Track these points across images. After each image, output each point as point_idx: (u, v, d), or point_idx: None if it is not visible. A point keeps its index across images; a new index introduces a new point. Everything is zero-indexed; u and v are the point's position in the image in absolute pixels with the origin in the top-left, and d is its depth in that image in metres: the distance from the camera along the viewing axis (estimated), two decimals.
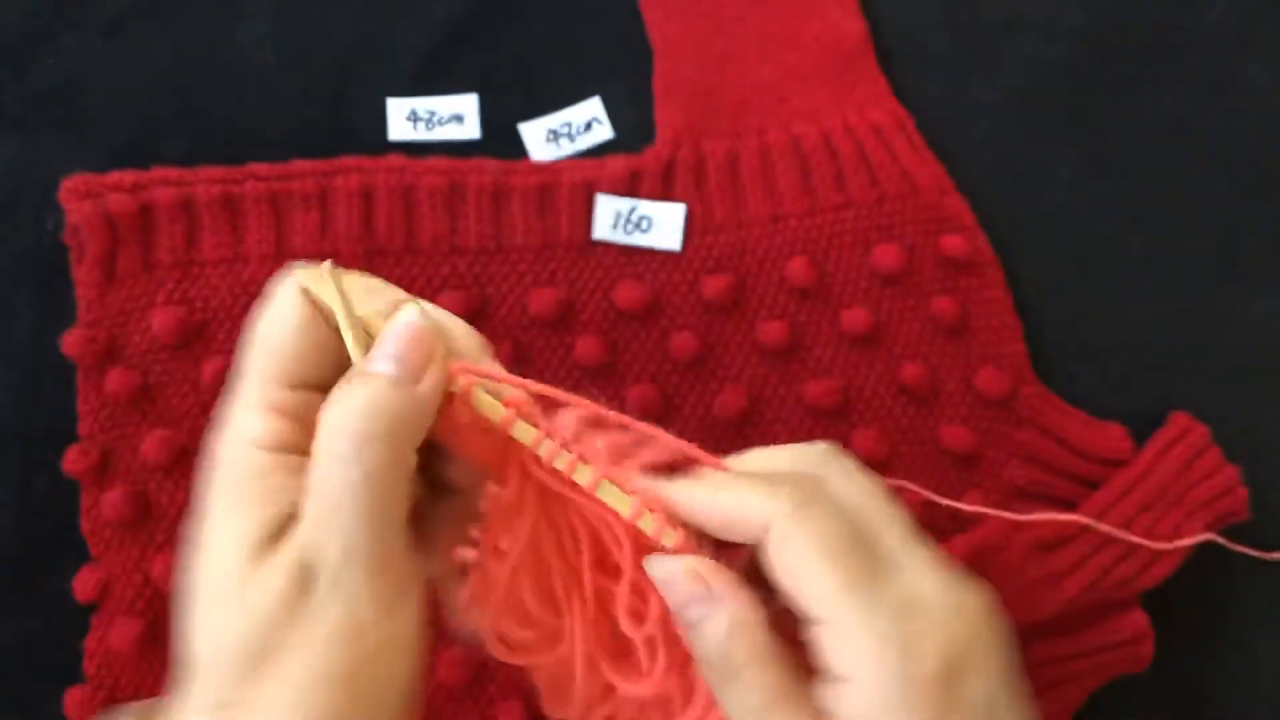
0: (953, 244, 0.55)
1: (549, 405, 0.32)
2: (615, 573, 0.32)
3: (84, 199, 0.52)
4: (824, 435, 0.54)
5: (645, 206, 0.55)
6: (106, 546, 0.51)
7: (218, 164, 0.54)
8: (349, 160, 0.54)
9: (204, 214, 0.53)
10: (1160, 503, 0.51)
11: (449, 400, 0.30)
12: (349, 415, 0.28)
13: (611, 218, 0.55)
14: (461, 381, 0.30)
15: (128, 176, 0.53)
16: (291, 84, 0.58)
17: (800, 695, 0.29)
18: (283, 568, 0.27)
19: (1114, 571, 0.49)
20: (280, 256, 0.53)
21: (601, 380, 0.54)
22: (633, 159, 0.56)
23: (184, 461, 0.51)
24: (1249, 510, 0.53)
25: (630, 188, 0.55)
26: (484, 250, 0.54)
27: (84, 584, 0.50)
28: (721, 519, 0.31)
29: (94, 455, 0.51)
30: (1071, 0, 0.61)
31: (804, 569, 0.29)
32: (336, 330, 0.30)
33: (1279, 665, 0.55)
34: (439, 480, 0.33)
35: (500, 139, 0.58)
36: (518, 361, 0.53)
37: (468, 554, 0.33)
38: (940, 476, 0.54)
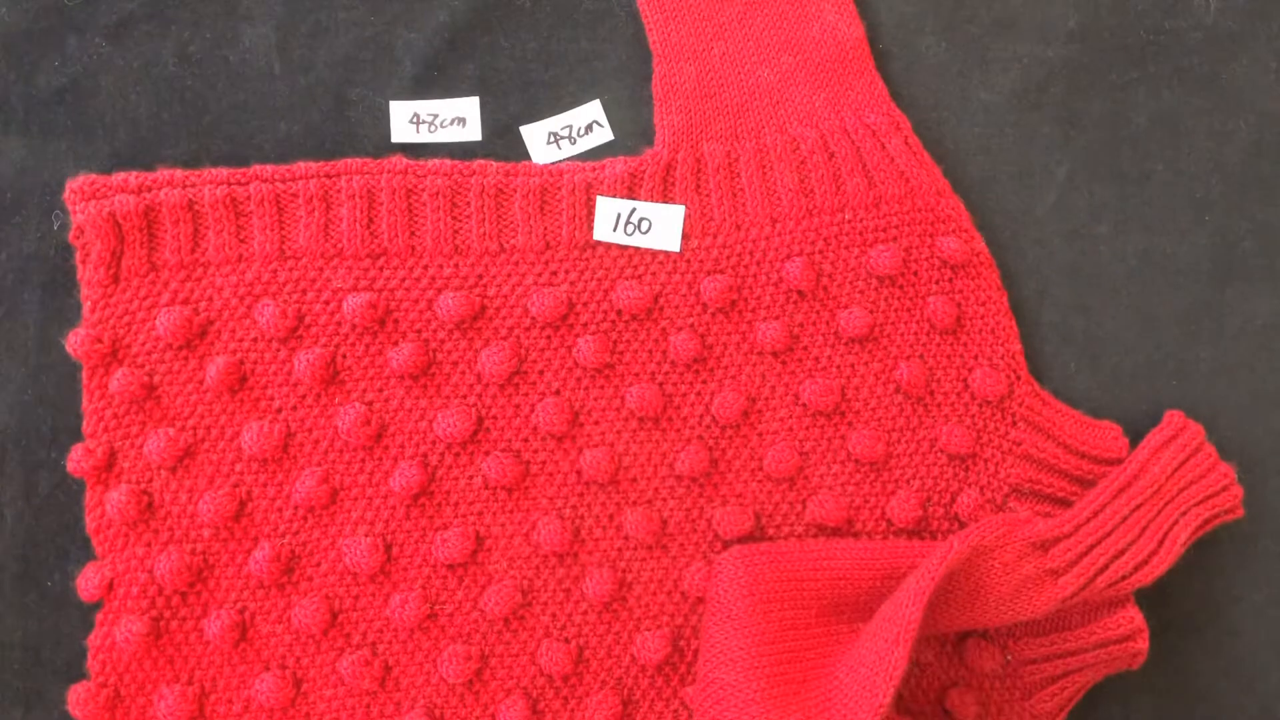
0: (949, 245, 0.55)
1: None
2: None
3: (89, 200, 0.52)
4: (821, 434, 0.54)
5: (645, 208, 0.55)
6: (111, 545, 0.51)
7: (222, 166, 0.55)
8: (352, 162, 0.55)
9: (208, 215, 0.53)
10: (1154, 500, 0.51)
11: None
12: None
13: (611, 219, 0.55)
14: None
15: (133, 178, 0.53)
16: (295, 87, 0.58)
17: None
18: None
19: (1109, 570, 0.50)
20: (284, 257, 0.54)
21: (601, 380, 0.54)
22: (632, 161, 0.56)
23: (188, 460, 0.52)
24: (1244, 508, 0.53)
25: (630, 189, 0.56)
26: (485, 251, 0.55)
27: (88, 582, 0.50)
28: None
29: (98, 454, 0.51)
30: (1066, 3, 0.61)
31: None
32: None
33: (1274, 662, 0.56)
34: None
35: (502, 141, 0.58)
36: (519, 362, 0.54)
37: None
38: (937, 475, 0.54)
